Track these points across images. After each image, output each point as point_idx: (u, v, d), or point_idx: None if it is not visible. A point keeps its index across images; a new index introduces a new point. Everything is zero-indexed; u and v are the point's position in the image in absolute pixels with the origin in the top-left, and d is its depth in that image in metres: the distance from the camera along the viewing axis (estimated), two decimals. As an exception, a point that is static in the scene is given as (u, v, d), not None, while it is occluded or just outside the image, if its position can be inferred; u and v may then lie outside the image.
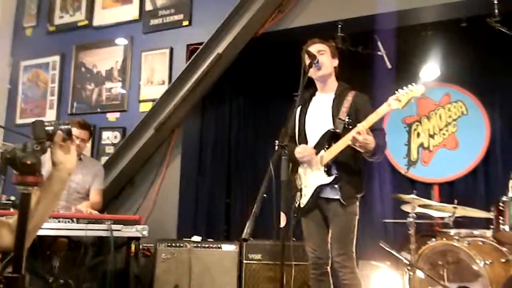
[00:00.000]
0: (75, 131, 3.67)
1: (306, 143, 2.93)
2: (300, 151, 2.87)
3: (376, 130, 2.73)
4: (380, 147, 2.72)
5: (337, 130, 2.76)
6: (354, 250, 2.78)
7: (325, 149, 2.78)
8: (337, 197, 2.76)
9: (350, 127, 2.71)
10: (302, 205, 2.87)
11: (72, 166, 1.55)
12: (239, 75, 5.01)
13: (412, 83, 2.50)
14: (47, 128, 1.48)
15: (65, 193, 3.71)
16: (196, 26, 4.59)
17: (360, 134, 2.56)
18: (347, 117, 2.76)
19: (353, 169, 2.81)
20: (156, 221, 4.40)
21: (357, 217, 2.82)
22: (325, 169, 2.76)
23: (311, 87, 3.02)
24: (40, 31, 5.46)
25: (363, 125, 2.60)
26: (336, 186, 2.76)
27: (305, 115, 2.97)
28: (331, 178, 2.75)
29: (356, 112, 2.72)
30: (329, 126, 2.82)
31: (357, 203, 2.84)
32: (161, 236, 4.07)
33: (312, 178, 2.84)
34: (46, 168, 1.43)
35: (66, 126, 1.53)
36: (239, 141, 5.37)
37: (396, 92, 2.55)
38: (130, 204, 4.60)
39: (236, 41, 4.26)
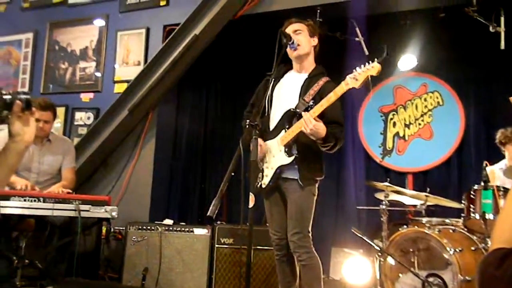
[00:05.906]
0: (37, 113, 3.54)
1: (268, 118, 2.88)
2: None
3: (334, 123, 2.69)
4: (333, 136, 2.65)
5: (297, 110, 2.70)
6: (310, 230, 2.73)
7: (286, 129, 2.73)
8: (296, 177, 2.72)
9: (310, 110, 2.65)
10: (264, 186, 2.83)
11: (30, 139, 1.48)
12: (217, 59, 4.95)
13: (369, 61, 2.47)
14: (4, 96, 1.41)
15: (35, 176, 3.62)
16: (173, 6, 4.52)
17: (306, 121, 2.52)
18: (312, 101, 2.70)
19: (314, 151, 2.75)
20: (129, 203, 4.36)
21: (315, 198, 2.78)
22: (286, 150, 2.72)
23: (288, 63, 2.96)
24: (13, 7, 5.31)
25: (310, 113, 2.55)
26: (296, 166, 2.71)
27: (273, 90, 2.92)
28: (291, 159, 2.71)
29: (321, 98, 2.64)
30: (293, 105, 2.76)
31: (316, 185, 2.80)
32: (134, 219, 4.01)
33: (273, 158, 2.80)
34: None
35: (25, 96, 1.46)
36: (216, 125, 5.32)
37: (354, 70, 2.51)
38: (102, 186, 4.54)
39: (214, 23, 4.20)
